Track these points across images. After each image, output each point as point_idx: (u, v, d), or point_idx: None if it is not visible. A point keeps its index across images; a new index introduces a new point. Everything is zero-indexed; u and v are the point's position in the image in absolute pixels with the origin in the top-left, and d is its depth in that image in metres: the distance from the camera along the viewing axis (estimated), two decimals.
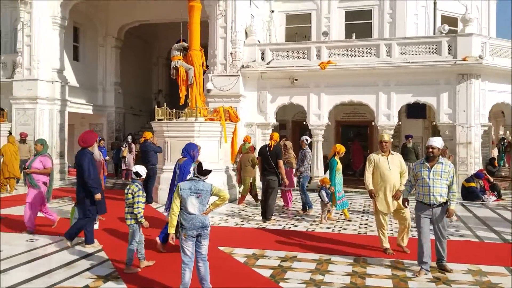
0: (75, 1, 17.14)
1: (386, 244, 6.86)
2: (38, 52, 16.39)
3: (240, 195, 11.95)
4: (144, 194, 6.02)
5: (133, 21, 20.54)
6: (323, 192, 9.11)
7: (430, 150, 5.78)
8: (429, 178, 5.73)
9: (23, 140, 14.26)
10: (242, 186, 11.75)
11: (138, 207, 5.84)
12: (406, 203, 6.37)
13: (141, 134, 20.85)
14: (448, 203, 5.78)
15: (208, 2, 14.73)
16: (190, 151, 6.83)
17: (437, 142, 5.80)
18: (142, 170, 6.03)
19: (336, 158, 9.37)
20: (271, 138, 9.80)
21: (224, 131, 12.03)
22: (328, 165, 16.05)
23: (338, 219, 9.48)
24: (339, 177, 9.34)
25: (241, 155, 13.15)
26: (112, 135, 20.55)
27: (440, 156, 5.84)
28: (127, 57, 21.83)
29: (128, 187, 6.00)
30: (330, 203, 9.22)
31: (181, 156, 7.00)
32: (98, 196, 6.84)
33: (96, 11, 19.83)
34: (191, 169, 6.45)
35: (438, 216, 5.79)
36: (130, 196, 5.91)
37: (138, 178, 6.00)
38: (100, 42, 20.62)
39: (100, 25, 20.49)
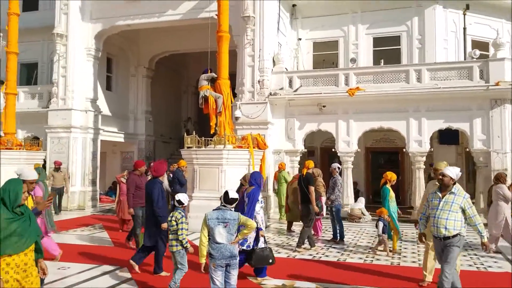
0: (108, 33, 17.80)
1: (427, 278, 6.66)
2: (72, 82, 16.95)
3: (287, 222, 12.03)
4: (187, 221, 6.24)
5: (163, 51, 21.05)
6: (380, 224, 8.87)
7: (441, 177, 5.49)
8: (437, 209, 5.40)
9: (57, 169, 14.66)
10: (286, 213, 11.87)
11: (182, 234, 6.02)
12: (423, 237, 5.91)
13: (171, 161, 21.27)
14: (479, 236, 5.41)
15: (236, 32, 15.03)
16: (257, 179, 7.05)
17: (451, 171, 5.46)
18: (184, 198, 6.27)
19: (388, 186, 9.12)
20: (304, 166, 9.84)
21: (252, 158, 12.06)
22: (358, 193, 16.01)
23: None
24: (393, 205, 9.10)
25: (275, 182, 13.36)
26: None
27: (455, 186, 5.48)
28: (158, 86, 22.22)
29: (171, 215, 6.19)
30: (384, 235, 8.92)
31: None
32: (164, 225, 6.95)
33: (128, 42, 20.50)
34: (260, 197, 6.69)
35: (445, 251, 5.31)
36: (174, 223, 6.09)
37: (181, 205, 6.18)
38: (132, 72, 21.12)
39: (132, 56, 21.09)
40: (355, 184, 16.20)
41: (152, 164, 7.83)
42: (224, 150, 11.63)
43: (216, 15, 12.94)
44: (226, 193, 5.00)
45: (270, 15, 15.21)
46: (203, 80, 12.41)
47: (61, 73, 17.01)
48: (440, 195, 5.46)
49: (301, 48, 17.61)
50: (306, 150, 15.63)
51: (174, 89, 24.78)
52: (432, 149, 14.31)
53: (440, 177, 5.50)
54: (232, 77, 13.52)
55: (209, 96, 12.20)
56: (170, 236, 6.13)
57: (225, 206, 4.97)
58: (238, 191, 7.92)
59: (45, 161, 16.01)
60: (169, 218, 6.19)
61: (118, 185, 11.68)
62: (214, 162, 11.58)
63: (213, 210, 5.08)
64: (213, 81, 12.53)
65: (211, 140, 12.16)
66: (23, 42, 17.72)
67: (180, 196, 6.26)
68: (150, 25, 17.05)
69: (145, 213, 7.43)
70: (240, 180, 8.32)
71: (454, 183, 5.47)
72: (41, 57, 20.86)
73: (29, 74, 20.97)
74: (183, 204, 6.22)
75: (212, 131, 12.21)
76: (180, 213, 6.13)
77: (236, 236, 4.93)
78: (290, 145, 15.07)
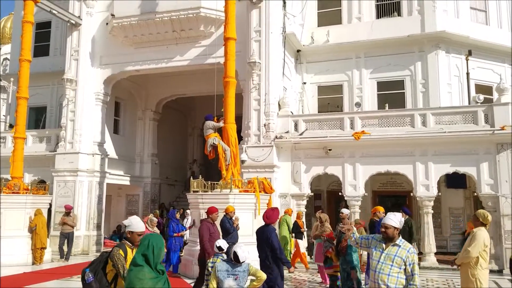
0: (117, 78, 18.20)
1: None
2: (81, 126, 17.18)
3: None
4: None
5: (171, 95, 21.33)
6: None
7: (384, 230, 4.79)
8: (378, 261, 4.72)
9: (67, 213, 14.69)
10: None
11: None
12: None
13: (175, 204, 21.14)
14: None
15: (242, 77, 15.29)
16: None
17: (393, 220, 4.78)
18: (225, 244, 6.29)
19: None
20: (372, 212, 9.82)
21: (258, 203, 11.93)
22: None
23: None
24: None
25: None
26: (147, 205, 20.74)
27: (400, 238, 4.86)
28: (164, 128, 22.42)
29: (212, 261, 6.16)
30: None
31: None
32: (292, 269, 6.88)
33: (136, 87, 20.78)
34: None
35: None
36: None
37: (221, 252, 6.17)
38: (139, 115, 21.39)
39: (139, 100, 21.22)
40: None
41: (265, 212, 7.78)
42: (230, 194, 11.52)
43: (223, 62, 13.24)
44: (235, 254, 4.96)
45: (275, 60, 15.51)
46: (209, 128, 12.51)
47: (70, 117, 17.26)
48: (383, 246, 4.80)
49: (306, 92, 17.94)
50: (312, 194, 15.58)
51: (180, 131, 24.94)
52: (439, 193, 14.22)
53: (383, 229, 4.79)
54: (238, 119, 13.64)
55: (218, 145, 12.28)
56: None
57: (234, 263, 4.96)
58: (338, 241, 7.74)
59: (50, 205, 15.97)
60: (210, 264, 6.14)
61: None
62: (221, 206, 11.14)
63: (222, 260, 5.07)
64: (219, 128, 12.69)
65: (217, 184, 12.15)
66: (33, 86, 17.98)
67: (220, 242, 6.28)
68: (158, 70, 17.49)
69: (260, 257, 7.48)
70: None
71: (400, 233, 4.85)
72: (50, 101, 21.23)
73: (38, 117, 21.28)
74: (223, 250, 6.19)
75: (222, 180, 12.15)
76: (222, 259, 6.06)
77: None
78: (296, 189, 15.03)
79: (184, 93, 21.01)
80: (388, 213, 4.90)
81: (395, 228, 4.72)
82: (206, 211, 8.98)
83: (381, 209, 9.46)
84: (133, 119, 21.21)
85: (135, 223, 4.40)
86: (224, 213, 10.54)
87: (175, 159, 24.03)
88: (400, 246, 4.71)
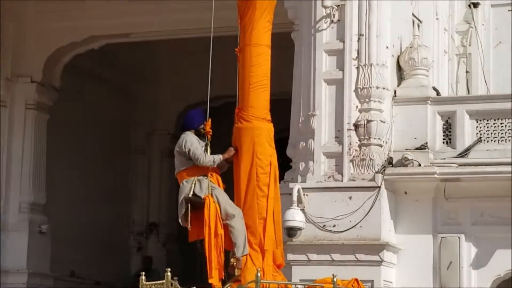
0: None
1: None
2: None
3: None
4: None
5: (86, 37, 18.76)
6: None
7: None
8: None
9: None
10: None
11: None
12: None
13: None
14: None
15: None
16: None
17: None
18: None
19: None
20: None
21: None
22: None
23: None
24: None
25: None
26: None
27: None
28: (67, 132, 20.01)
29: None
30: None
31: None
32: None
33: None
34: None
35: None
36: None
37: None
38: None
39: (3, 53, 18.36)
40: None
41: None
42: None
43: None
44: None
45: None
46: (187, 152, 10.21)
47: None
48: None
49: (478, 31, 16.56)
50: None
51: (114, 142, 22.32)
52: None
53: None
54: (280, 107, 12.46)
55: (207, 201, 10.21)
56: None
57: None
58: None
59: None
60: None
61: None
62: None
63: None
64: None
65: None
66: None
67: None
68: None
69: None
70: None
71: None
72: None
73: None
74: None
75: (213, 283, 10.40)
76: None
77: None
78: None
79: (126, 31, 18.94)
80: None
81: None
82: None
83: None
84: None
85: None
86: None
87: (100, 220, 21.37)
88: None
